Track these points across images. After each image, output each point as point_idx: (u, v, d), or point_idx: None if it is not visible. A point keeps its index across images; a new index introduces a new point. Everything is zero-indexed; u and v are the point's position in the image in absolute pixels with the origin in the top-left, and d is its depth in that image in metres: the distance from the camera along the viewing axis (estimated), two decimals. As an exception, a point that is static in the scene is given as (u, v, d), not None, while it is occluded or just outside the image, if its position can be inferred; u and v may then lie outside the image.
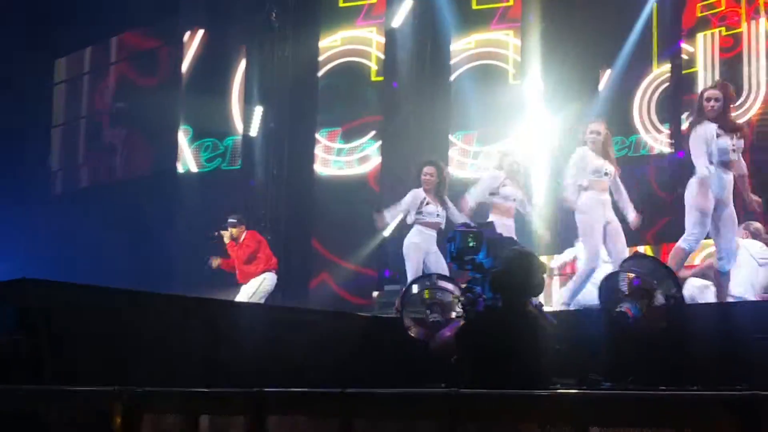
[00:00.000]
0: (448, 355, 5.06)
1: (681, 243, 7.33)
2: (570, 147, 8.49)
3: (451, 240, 5.44)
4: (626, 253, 7.96)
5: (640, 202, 8.83)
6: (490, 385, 4.22)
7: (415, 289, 6.44)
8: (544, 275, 5.07)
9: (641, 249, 10.04)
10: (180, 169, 14.23)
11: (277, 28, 13.19)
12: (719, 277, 7.33)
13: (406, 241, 8.94)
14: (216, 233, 10.58)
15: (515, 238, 8.59)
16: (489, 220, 8.03)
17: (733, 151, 7.20)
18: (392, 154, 12.73)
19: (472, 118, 12.91)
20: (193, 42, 14.40)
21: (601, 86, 11.95)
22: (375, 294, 11.88)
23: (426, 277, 6.77)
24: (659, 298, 5.58)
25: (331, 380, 5.67)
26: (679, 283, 5.82)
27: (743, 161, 7.32)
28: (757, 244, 8.25)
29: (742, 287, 7.59)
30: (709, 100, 7.28)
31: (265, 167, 13.00)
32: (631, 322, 5.54)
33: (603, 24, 11.68)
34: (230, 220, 10.55)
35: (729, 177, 7.24)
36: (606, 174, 7.88)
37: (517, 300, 4.84)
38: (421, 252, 8.83)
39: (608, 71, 11.97)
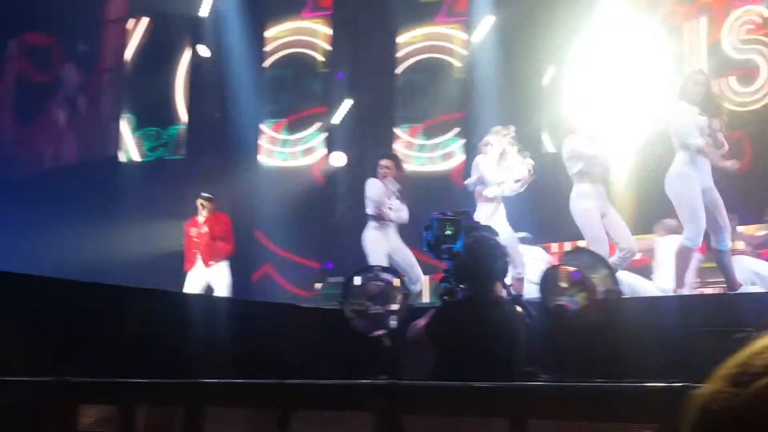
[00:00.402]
0: (422, 344, 5.01)
1: (683, 242, 7.36)
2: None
3: (429, 228, 5.30)
4: (633, 241, 8.01)
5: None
6: (458, 375, 4.20)
7: (357, 280, 6.42)
8: (507, 258, 5.00)
9: (582, 243, 10.13)
10: (122, 158, 14.06)
11: (224, 18, 13.11)
12: (722, 257, 7.40)
13: (368, 235, 8.87)
14: (199, 203, 10.43)
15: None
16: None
17: (709, 135, 7.30)
18: (336, 146, 12.75)
19: (418, 111, 12.95)
20: (137, 30, 14.23)
21: (546, 81, 12.05)
22: (318, 286, 11.88)
23: (368, 269, 6.75)
24: (598, 292, 5.65)
25: (272, 372, 5.65)
26: (617, 278, 5.89)
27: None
28: (676, 240, 8.38)
29: (670, 284, 7.71)
30: (696, 84, 7.44)
31: (210, 157, 12.92)
32: (569, 315, 5.60)
33: (549, 19, 11.78)
34: (204, 194, 10.48)
35: (705, 160, 7.33)
36: (596, 165, 7.93)
37: (482, 287, 4.77)
38: (385, 245, 8.80)
39: (553, 67, 12.07)
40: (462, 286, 4.89)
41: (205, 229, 10.38)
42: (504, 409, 3.13)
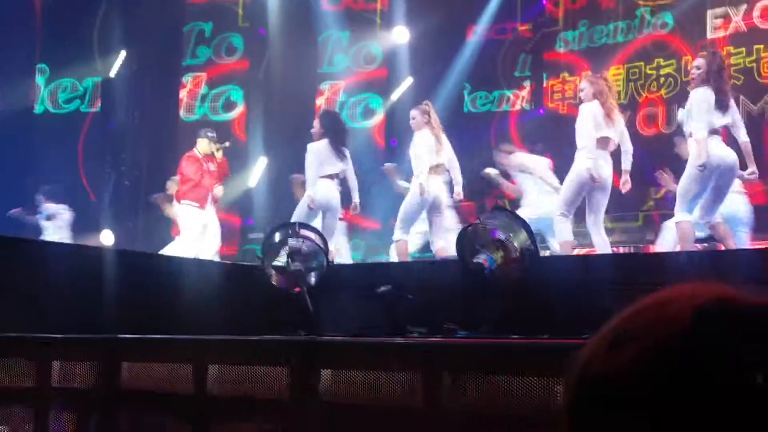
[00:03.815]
0: None
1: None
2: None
3: None
4: None
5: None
6: None
7: (277, 237, 6.41)
8: None
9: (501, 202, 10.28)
10: (37, 109, 13.72)
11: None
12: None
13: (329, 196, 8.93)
14: (212, 140, 10.15)
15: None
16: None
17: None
18: (257, 101, 12.64)
19: (340, 68, 12.90)
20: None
21: (468, 41, 12.11)
22: (238, 242, 11.84)
23: (288, 225, 6.74)
24: (514, 251, 5.73)
25: (190, 327, 5.64)
26: (533, 236, 5.99)
27: None
28: None
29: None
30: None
31: (126, 110, 12.69)
32: (487, 272, 5.67)
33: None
34: (210, 134, 10.22)
35: None
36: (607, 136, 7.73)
37: None
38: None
39: (474, 27, 12.12)
40: None
41: (213, 167, 10.14)
42: (419, 363, 3.18)
